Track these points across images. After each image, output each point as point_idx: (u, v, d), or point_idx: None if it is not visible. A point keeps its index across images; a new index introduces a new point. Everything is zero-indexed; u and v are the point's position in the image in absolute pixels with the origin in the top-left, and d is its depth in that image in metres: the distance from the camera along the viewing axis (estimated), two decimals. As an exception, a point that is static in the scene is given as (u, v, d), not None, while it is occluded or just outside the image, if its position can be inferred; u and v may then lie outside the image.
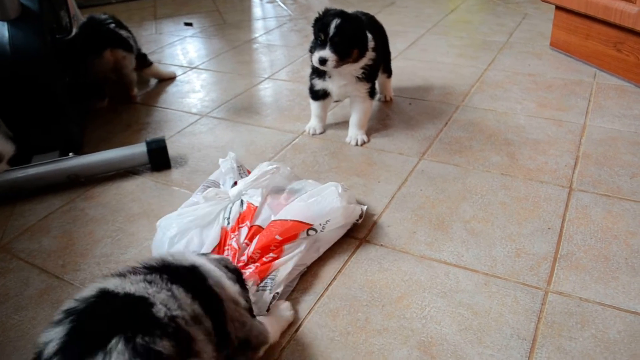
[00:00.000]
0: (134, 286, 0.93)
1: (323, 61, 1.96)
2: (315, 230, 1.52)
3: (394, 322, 1.36)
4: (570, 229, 1.65)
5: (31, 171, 1.96)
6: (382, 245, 1.63)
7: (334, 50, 1.95)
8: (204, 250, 1.46)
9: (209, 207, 1.56)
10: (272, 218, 1.54)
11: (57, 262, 1.64)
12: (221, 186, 1.74)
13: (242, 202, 1.58)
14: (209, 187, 1.70)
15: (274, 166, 1.69)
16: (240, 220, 1.53)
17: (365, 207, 1.70)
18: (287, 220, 1.50)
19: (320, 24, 1.98)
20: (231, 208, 1.56)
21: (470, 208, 1.78)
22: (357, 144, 2.22)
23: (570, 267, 1.51)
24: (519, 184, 1.87)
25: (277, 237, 1.46)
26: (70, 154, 2.06)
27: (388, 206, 1.81)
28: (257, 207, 1.56)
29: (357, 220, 1.67)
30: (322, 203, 1.56)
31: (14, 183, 1.93)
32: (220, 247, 1.48)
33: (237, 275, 1.18)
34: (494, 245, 1.61)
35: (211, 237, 1.49)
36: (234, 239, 1.49)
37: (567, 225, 1.67)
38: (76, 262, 1.63)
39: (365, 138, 2.24)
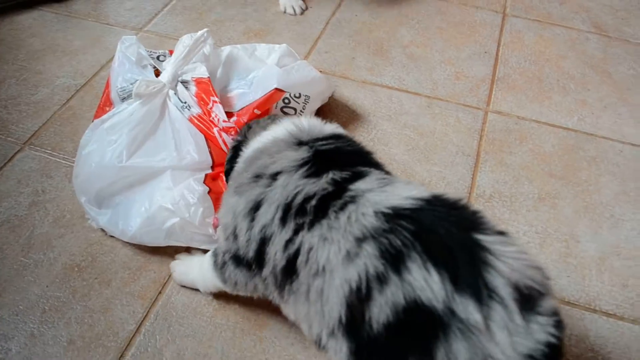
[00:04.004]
0: None
1: None
2: (289, 100, 1.26)
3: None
4: (506, 53, 1.66)
5: None
6: (321, 71, 1.55)
7: None
8: (185, 151, 1.13)
9: (142, 105, 1.15)
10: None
11: (-52, 96, 1.40)
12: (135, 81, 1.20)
13: (183, 84, 1.20)
14: (125, 92, 1.21)
15: (202, 32, 1.24)
16: (201, 99, 1.17)
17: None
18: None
19: None
20: (176, 95, 1.18)
21: (408, 33, 1.71)
22: (294, 13, 1.79)
23: (507, 88, 1.54)
24: (454, 9, 1.82)
25: (256, 111, 1.21)
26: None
27: (323, 32, 1.70)
28: (208, 77, 1.20)
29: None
30: (299, 72, 1.29)
31: None
32: (209, 137, 1.14)
33: None
34: (433, 69, 1.59)
35: (184, 133, 1.14)
36: (217, 118, 1.15)
37: (503, 49, 1.67)
38: (-26, 98, 1.41)
39: (302, 4, 1.81)
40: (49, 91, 1.47)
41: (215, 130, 1.13)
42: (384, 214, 0.67)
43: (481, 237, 0.64)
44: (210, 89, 1.18)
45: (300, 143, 0.84)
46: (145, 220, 1.07)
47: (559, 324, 0.62)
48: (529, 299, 0.60)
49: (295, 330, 1.01)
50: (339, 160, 0.80)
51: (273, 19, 1.74)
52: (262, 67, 1.27)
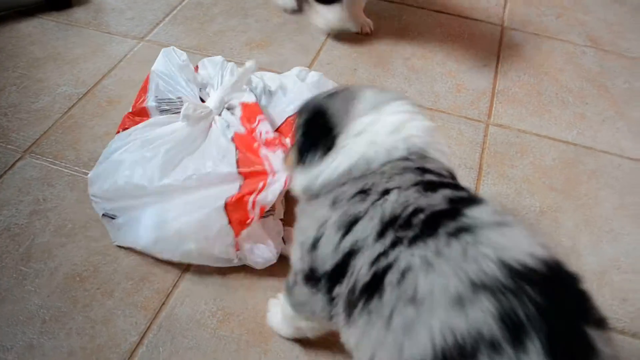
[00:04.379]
0: None
1: None
2: None
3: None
4: (505, 66, 1.67)
5: None
6: (323, 82, 1.55)
7: None
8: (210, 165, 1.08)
9: (186, 126, 1.13)
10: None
11: (-52, 102, 1.39)
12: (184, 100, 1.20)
13: (229, 110, 1.19)
14: (165, 103, 1.21)
15: (251, 64, 1.23)
16: (247, 120, 1.15)
17: None
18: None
19: None
20: (223, 118, 1.17)
21: (409, 45, 1.72)
22: (285, 8, 1.83)
23: (508, 101, 1.55)
24: (454, 22, 1.84)
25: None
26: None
27: (325, 43, 1.71)
28: (256, 102, 1.19)
29: None
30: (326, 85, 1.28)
31: None
32: (250, 149, 1.10)
33: None
34: (435, 81, 1.60)
35: (218, 150, 1.10)
36: (260, 134, 1.13)
37: (502, 62, 1.68)
38: (-27, 105, 1.40)
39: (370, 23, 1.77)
40: (50, 99, 1.46)
41: (255, 144, 1.10)
42: (511, 268, 0.57)
43: (591, 332, 0.56)
44: (257, 109, 1.16)
45: (423, 171, 0.74)
46: (160, 236, 1.06)
47: None
48: None
49: (300, 344, 1.01)
50: (450, 184, 0.73)
51: (275, 30, 1.74)
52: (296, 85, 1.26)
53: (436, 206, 0.66)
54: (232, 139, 1.12)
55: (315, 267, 0.76)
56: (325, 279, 0.75)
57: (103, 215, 1.14)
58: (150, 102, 1.19)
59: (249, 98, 1.19)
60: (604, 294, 1.13)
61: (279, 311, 0.99)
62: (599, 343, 0.54)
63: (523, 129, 1.47)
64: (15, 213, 1.20)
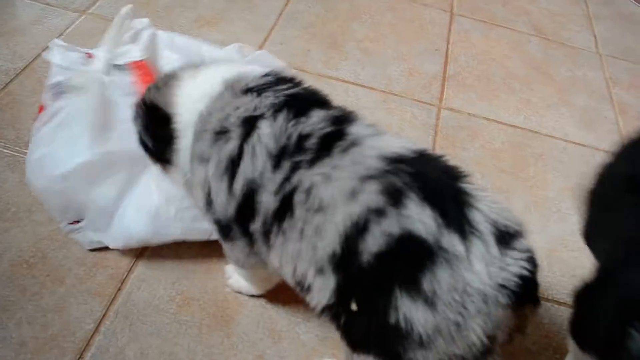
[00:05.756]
0: None
1: None
2: None
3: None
4: (455, 51, 1.70)
5: None
6: (277, 62, 1.53)
7: None
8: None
9: (80, 95, 1.06)
10: None
11: None
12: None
13: (119, 68, 1.12)
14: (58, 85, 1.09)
15: (126, 9, 1.17)
16: (145, 82, 1.09)
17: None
18: None
19: None
20: (115, 81, 1.09)
21: (361, 28, 1.72)
22: None
23: (458, 86, 1.58)
24: (405, 6, 1.85)
25: None
26: None
27: (277, 23, 1.68)
28: (143, 59, 1.13)
29: None
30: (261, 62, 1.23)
31: None
32: None
33: None
34: (387, 64, 1.61)
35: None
36: None
37: (452, 48, 1.72)
38: None
39: None
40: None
41: None
42: (387, 158, 0.71)
43: (464, 185, 0.70)
44: (151, 70, 1.11)
45: (248, 90, 0.81)
46: (158, 224, 1.01)
47: (532, 260, 0.67)
48: (505, 236, 0.66)
49: (263, 325, 1.00)
50: (313, 100, 0.82)
51: (225, 8, 1.70)
52: (220, 53, 1.23)
53: (321, 130, 0.75)
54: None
55: (219, 218, 0.82)
56: (233, 224, 0.81)
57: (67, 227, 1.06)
58: (46, 96, 1.09)
59: (137, 56, 1.12)
60: (554, 271, 1.18)
61: (237, 275, 1.03)
62: (472, 190, 0.69)
63: (473, 112, 1.51)
64: (-49, 196, 1.11)
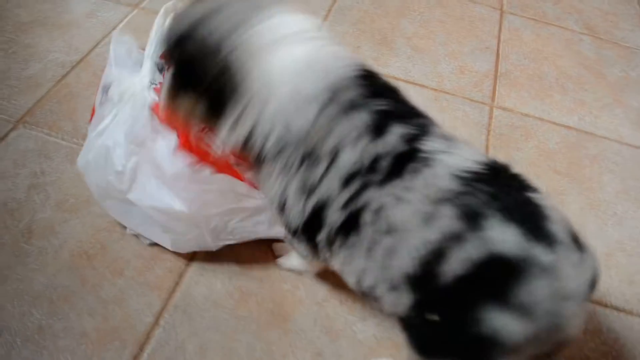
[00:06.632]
0: None
1: None
2: None
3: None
4: (506, 49, 1.67)
5: None
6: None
7: None
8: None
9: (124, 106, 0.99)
10: None
11: None
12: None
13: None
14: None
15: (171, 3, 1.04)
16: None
17: None
18: None
19: None
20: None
21: (410, 24, 1.70)
22: None
23: (510, 85, 1.55)
24: (454, 3, 1.82)
25: None
26: None
27: (327, 19, 1.67)
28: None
29: None
30: None
31: None
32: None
33: None
34: (438, 62, 1.59)
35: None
36: None
37: (503, 46, 1.68)
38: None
39: None
40: (41, 66, 1.37)
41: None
42: (460, 178, 0.70)
43: (532, 195, 0.71)
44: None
45: (353, 106, 0.74)
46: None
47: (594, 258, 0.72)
48: (577, 240, 0.70)
49: (320, 323, 0.99)
50: (395, 112, 0.77)
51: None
52: None
53: (395, 149, 0.72)
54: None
55: (288, 223, 0.83)
56: (300, 233, 0.83)
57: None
58: (97, 101, 1.05)
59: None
60: (611, 276, 1.15)
61: (293, 255, 1.03)
62: (541, 201, 0.70)
63: (526, 112, 1.48)
64: (12, 187, 1.13)
